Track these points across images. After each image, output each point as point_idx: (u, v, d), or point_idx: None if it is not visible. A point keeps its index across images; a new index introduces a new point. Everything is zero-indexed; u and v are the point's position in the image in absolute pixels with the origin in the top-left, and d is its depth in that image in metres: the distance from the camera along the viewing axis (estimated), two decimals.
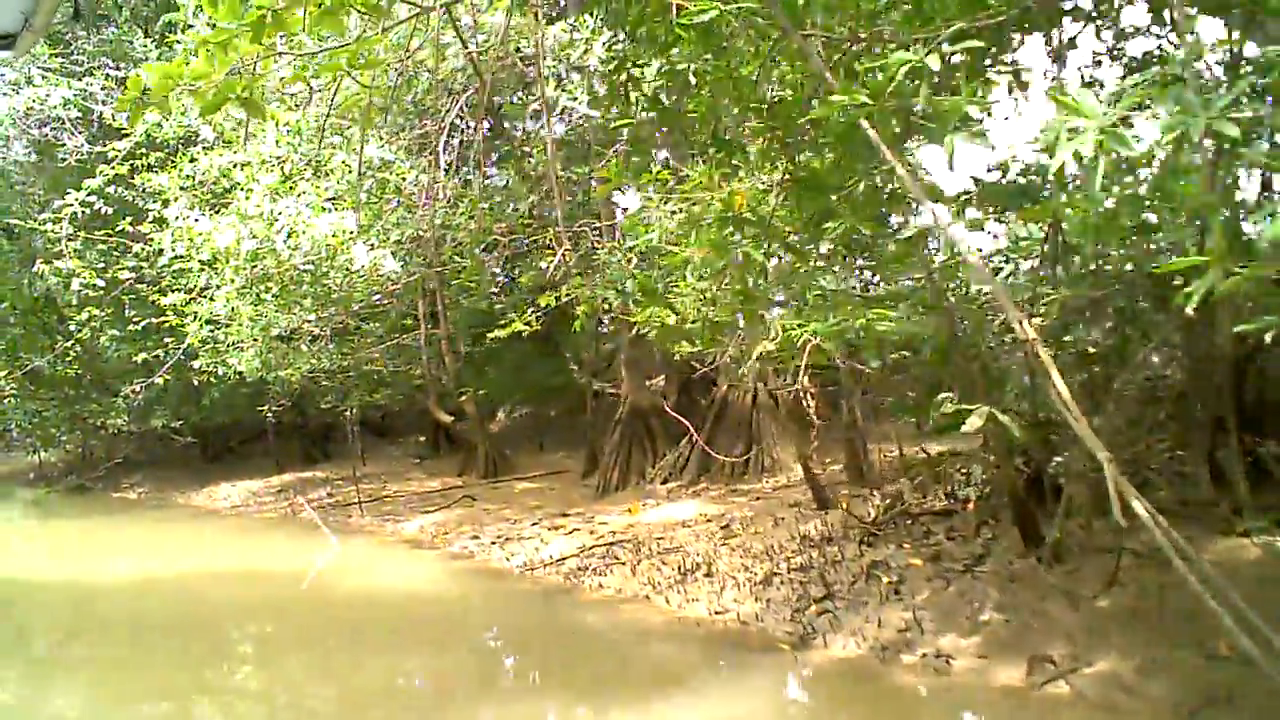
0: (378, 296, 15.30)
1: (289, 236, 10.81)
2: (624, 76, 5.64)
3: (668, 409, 12.68)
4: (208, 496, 21.85)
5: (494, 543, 12.11)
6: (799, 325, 5.68)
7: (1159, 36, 8.01)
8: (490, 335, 10.43)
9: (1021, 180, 7.47)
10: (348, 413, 19.49)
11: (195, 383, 17.75)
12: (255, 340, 14.78)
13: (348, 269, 12.47)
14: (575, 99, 10.64)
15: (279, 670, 8.52)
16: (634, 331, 10.02)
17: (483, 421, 19.49)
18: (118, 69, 17.72)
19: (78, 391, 23.32)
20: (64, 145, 17.88)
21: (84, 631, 10.22)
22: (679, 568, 9.11)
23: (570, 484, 16.17)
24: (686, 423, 12.66)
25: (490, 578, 10.81)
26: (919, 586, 7.13)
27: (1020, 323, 5.06)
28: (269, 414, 18.74)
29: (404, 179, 11.61)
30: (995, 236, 8.60)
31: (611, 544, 10.68)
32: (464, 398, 18.34)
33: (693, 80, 5.54)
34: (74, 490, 25.48)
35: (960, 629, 6.44)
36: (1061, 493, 7.63)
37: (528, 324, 9.96)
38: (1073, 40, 7.73)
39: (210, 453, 26.59)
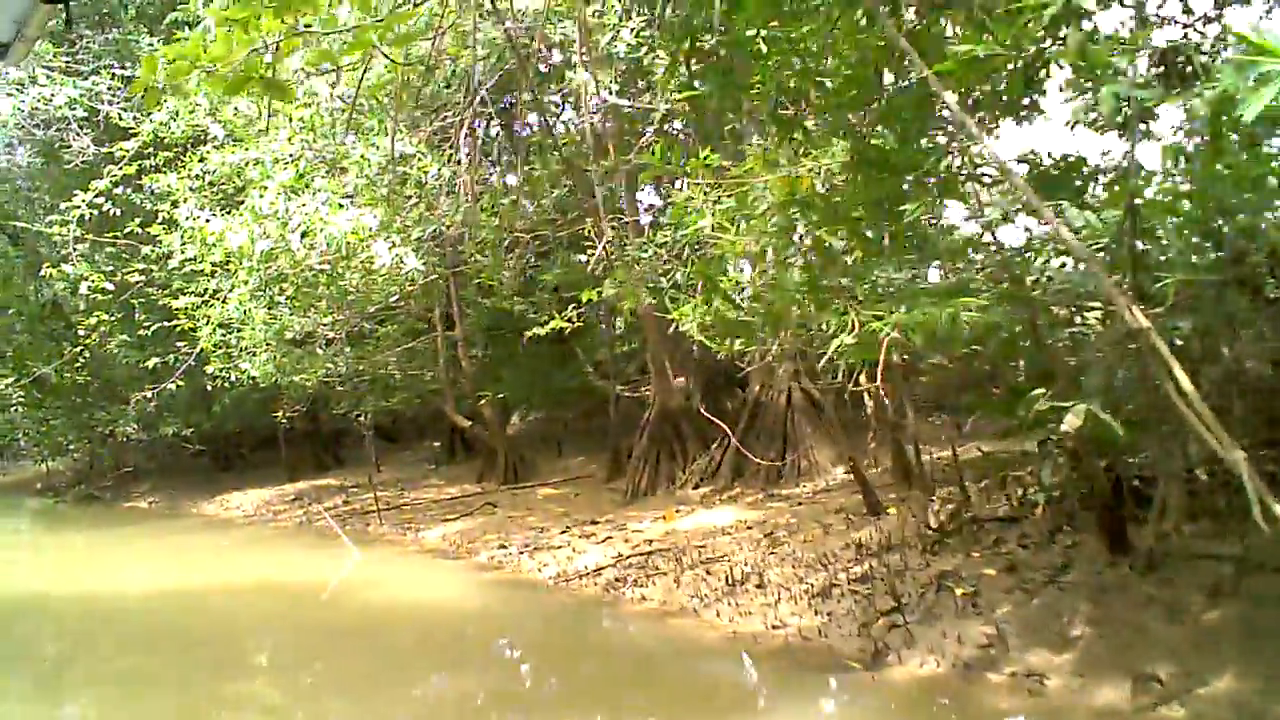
0: (395, 298, 14.85)
1: (304, 236, 10.37)
2: (687, 45, 5.15)
3: (702, 411, 12.16)
4: (220, 505, 21.40)
5: (522, 552, 11.60)
6: (877, 317, 5.18)
7: (1186, 25, 7.62)
8: (529, 333, 9.93)
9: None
10: (361, 418, 19.03)
11: (208, 388, 17.31)
12: (269, 344, 14.38)
13: (366, 269, 12.04)
14: (605, 86, 10.16)
15: (299, 689, 8.00)
16: (671, 329, 9.55)
17: (502, 426, 19.00)
18: (124, 68, 17.25)
19: (85, 399, 22.92)
20: (70, 147, 17.42)
21: (94, 647, 9.74)
22: (726, 578, 8.60)
23: (595, 489, 15.66)
24: (722, 425, 12.14)
25: (522, 590, 10.30)
26: (997, 599, 6.62)
27: (1130, 310, 4.57)
28: (283, 420, 18.24)
29: (425, 173, 11.13)
30: (1028, 229, 8.10)
31: (649, 553, 10.17)
32: (482, 402, 17.86)
33: (763, 48, 5.05)
34: (83, 500, 25.09)
35: (1050, 644, 5.93)
36: (1142, 496, 7.14)
37: (569, 320, 9.47)
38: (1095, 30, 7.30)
39: (221, 460, 26.15)
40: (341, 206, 10.22)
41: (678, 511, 11.92)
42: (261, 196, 10.28)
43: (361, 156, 10.89)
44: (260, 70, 4.64)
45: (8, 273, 21.69)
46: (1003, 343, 6.24)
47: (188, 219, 10.93)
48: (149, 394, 15.37)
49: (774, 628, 7.39)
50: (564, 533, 12.20)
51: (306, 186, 10.44)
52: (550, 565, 10.71)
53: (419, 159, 11.06)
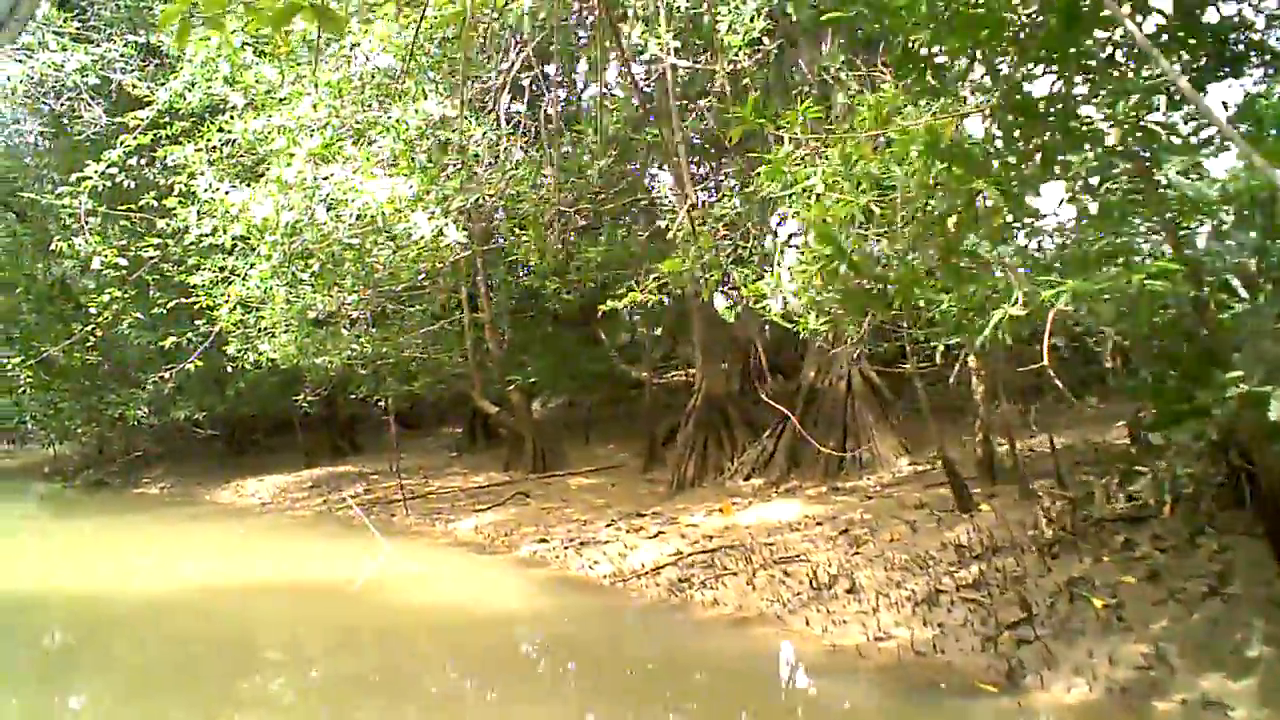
0: (423, 276, 14.03)
1: (331, 207, 9.59)
2: None
3: (764, 396, 11.30)
4: (235, 492, 20.65)
5: (568, 547, 10.82)
6: (1049, 285, 4.38)
7: None
8: (602, 308, 9.09)
9: None
10: (381, 403, 18.23)
11: (228, 369, 16.49)
12: (290, 324, 13.59)
13: (398, 243, 11.26)
14: (661, 42, 9.27)
15: (327, 704, 7.21)
16: (742, 307, 8.74)
17: (528, 411, 18.19)
18: (136, 35, 16.42)
19: (95, 381, 22.15)
20: (80, 118, 16.60)
21: (102, 644, 8.98)
22: (809, 581, 7.80)
23: (632, 479, 14.88)
24: (784, 410, 11.29)
25: (574, 589, 9.46)
26: (1147, 612, 5.81)
27: None
28: (303, 404, 17.40)
29: (468, 137, 10.28)
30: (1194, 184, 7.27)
31: (712, 550, 9.38)
32: (511, 387, 17.05)
33: None
34: (92, 485, 24.38)
35: (1225, 668, 5.12)
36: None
37: (649, 294, 8.61)
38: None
39: (235, 446, 25.38)
40: (374, 176, 9.42)
41: (734, 504, 11.12)
42: (288, 165, 9.49)
43: (397, 121, 10.06)
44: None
45: (15, 250, 20.92)
46: (1169, 318, 5.41)
47: (206, 191, 10.14)
48: (164, 375, 14.58)
49: (877, 639, 6.58)
50: (609, 526, 11.42)
51: (336, 155, 9.65)
52: (602, 563, 9.92)
53: (462, 122, 10.21)
